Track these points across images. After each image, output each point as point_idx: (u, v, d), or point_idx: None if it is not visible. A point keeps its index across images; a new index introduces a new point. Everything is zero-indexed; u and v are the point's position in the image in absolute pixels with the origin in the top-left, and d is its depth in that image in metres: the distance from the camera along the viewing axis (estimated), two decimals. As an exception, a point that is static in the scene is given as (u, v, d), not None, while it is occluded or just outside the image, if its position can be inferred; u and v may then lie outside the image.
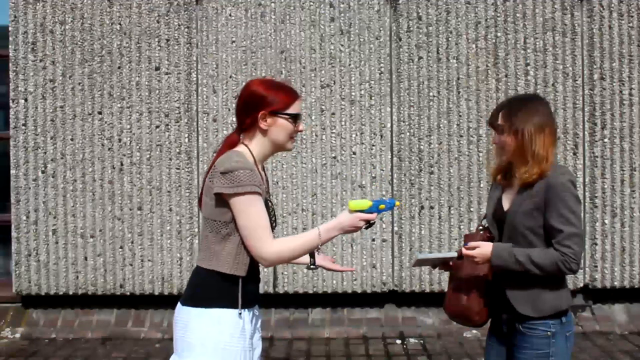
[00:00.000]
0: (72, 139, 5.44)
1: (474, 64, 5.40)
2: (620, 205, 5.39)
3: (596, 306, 5.55)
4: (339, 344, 5.21)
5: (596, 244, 5.40)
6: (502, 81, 5.39)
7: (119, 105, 5.43)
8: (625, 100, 5.39)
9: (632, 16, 5.40)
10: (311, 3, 5.42)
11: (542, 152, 2.60)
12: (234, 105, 5.33)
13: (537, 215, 2.59)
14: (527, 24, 5.39)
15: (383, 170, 5.41)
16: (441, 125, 5.40)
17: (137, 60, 5.44)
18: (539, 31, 5.39)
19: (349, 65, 5.42)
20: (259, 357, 2.58)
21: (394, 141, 5.42)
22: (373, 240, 5.41)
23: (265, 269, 4.98)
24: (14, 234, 5.47)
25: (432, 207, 5.40)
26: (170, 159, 5.42)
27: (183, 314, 2.46)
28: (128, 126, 5.43)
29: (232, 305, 2.40)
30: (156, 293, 5.45)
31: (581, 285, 5.40)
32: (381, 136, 5.41)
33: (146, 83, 5.43)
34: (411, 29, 5.42)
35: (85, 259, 5.44)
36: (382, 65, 5.41)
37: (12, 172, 5.45)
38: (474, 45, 5.40)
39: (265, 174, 2.60)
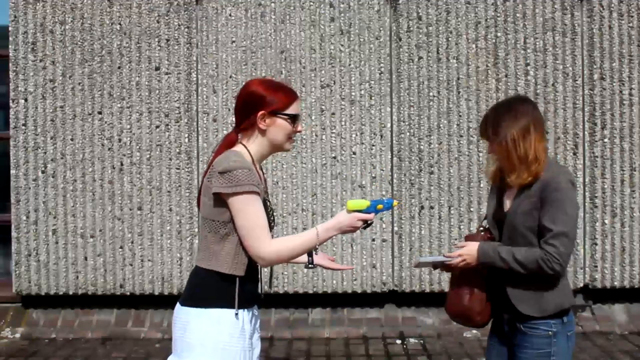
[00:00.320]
0: (72, 139, 5.44)
1: (474, 64, 5.40)
2: (620, 205, 5.39)
3: (596, 306, 5.55)
4: (339, 344, 5.21)
5: (596, 244, 5.40)
6: (502, 81, 5.39)
7: (119, 105, 5.43)
8: (625, 100, 5.39)
9: (632, 16, 5.40)
10: (311, 3, 5.42)
11: (530, 155, 2.60)
12: (234, 105, 5.35)
13: (536, 215, 2.60)
14: (527, 24, 5.39)
15: (383, 170, 5.41)
16: (441, 125, 5.40)
17: (137, 60, 5.44)
18: (539, 31, 5.39)
19: (349, 65, 5.42)
20: (258, 357, 2.58)
21: (394, 141, 5.42)
22: (373, 240, 5.41)
23: (265, 269, 4.98)
24: (14, 234, 5.47)
25: (432, 207, 5.40)
26: (170, 159, 5.43)
27: (182, 314, 2.46)
28: (128, 126, 5.43)
29: (231, 305, 2.40)
30: (156, 293, 5.45)
31: (581, 285, 5.40)
32: (381, 136, 5.41)
33: (146, 83, 5.43)
34: (411, 29, 5.42)
35: (85, 259, 5.45)
36: (382, 65, 5.41)
37: (12, 172, 5.46)
38: (474, 45, 5.40)
39: (263, 174, 2.60)
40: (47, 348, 5.19)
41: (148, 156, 5.43)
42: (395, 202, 2.49)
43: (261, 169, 2.57)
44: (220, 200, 2.38)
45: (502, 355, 2.80)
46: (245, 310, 2.45)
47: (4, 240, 5.74)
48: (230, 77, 5.42)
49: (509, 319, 2.72)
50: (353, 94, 5.41)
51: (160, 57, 5.44)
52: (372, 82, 5.41)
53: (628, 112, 5.39)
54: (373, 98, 5.41)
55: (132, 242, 5.43)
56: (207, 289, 2.42)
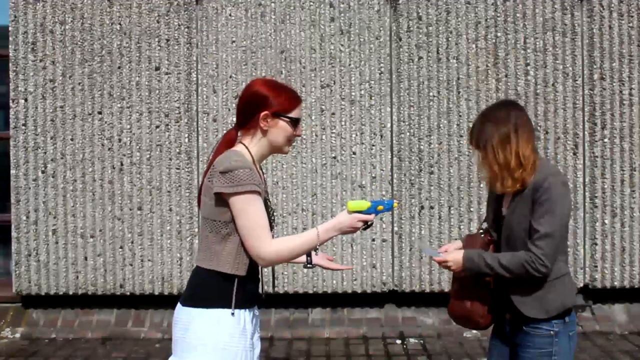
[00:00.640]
0: (72, 139, 5.44)
1: (474, 64, 5.40)
2: (620, 205, 5.39)
3: (596, 306, 5.55)
4: (339, 344, 5.21)
5: (596, 244, 5.40)
6: (502, 81, 5.39)
7: (119, 105, 5.43)
8: (625, 100, 5.39)
9: (632, 16, 5.40)
10: (311, 3, 5.42)
11: (512, 163, 2.59)
12: (234, 105, 5.35)
13: (530, 217, 2.61)
14: (527, 24, 5.39)
15: (383, 170, 5.41)
16: (441, 125, 5.40)
17: (137, 60, 5.44)
18: (539, 31, 5.39)
19: (349, 65, 5.42)
20: (259, 357, 2.58)
21: (394, 141, 5.42)
22: (373, 240, 5.41)
23: (265, 269, 4.97)
24: (14, 234, 5.47)
25: (432, 207, 5.40)
26: (170, 159, 5.43)
27: (183, 314, 2.45)
28: (128, 126, 5.43)
29: (231, 305, 2.40)
30: (156, 293, 5.45)
31: (581, 285, 5.40)
32: (381, 136, 5.41)
33: (146, 83, 5.43)
34: (411, 29, 5.42)
35: (85, 259, 5.45)
36: (382, 65, 5.41)
37: (12, 172, 5.46)
38: (474, 45, 5.40)
39: (263, 174, 2.60)
40: (47, 348, 5.19)
41: (148, 156, 5.43)
42: (395, 203, 2.49)
43: (261, 169, 2.57)
44: (222, 200, 2.37)
45: (503, 355, 2.80)
46: (246, 310, 2.45)
47: (4, 240, 5.74)
48: (230, 77, 5.42)
49: (510, 319, 2.72)
50: (353, 94, 5.41)
51: (160, 57, 5.44)
52: (372, 82, 5.41)
53: (628, 112, 5.39)
54: (373, 98, 5.41)
55: (132, 242, 5.43)
56: (208, 289, 2.41)
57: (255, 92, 2.48)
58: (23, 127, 5.44)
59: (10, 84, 5.46)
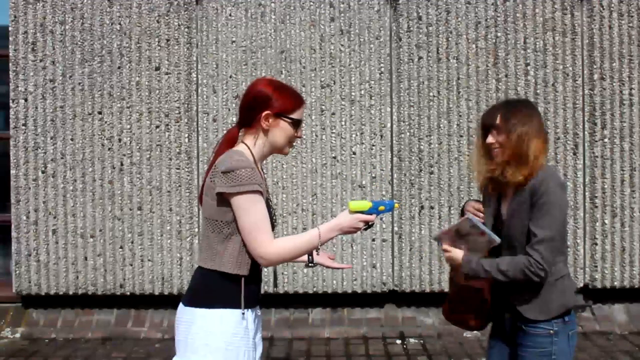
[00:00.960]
0: (72, 139, 5.44)
1: (474, 64, 5.40)
2: (620, 205, 5.39)
3: (596, 306, 5.55)
4: (339, 344, 5.21)
5: (596, 244, 5.40)
6: (502, 81, 5.39)
7: (119, 105, 5.43)
8: (625, 100, 5.39)
9: (632, 16, 5.40)
10: (311, 3, 5.42)
11: (534, 156, 2.62)
12: (234, 105, 5.36)
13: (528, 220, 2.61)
14: (527, 24, 5.39)
15: (383, 170, 5.41)
16: (441, 125, 5.40)
17: (137, 60, 5.44)
18: (539, 31, 5.39)
19: (349, 65, 5.42)
20: (260, 357, 2.59)
21: (394, 141, 5.42)
22: (373, 240, 5.41)
23: (265, 269, 4.98)
24: (14, 234, 5.47)
25: (432, 207, 5.40)
26: (170, 159, 5.43)
27: (186, 314, 2.45)
28: (128, 126, 5.43)
29: (235, 305, 2.40)
30: (156, 293, 5.45)
31: (581, 285, 5.40)
32: (381, 136, 5.41)
33: (146, 83, 5.43)
34: (411, 29, 5.42)
35: (85, 259, 5.45)
36: (382, 65, 5.41)
37: (12, 172, 5.46)
38: (474, 45, 5.40)
39: (264, 174, 2.60)
40: (47, 348, 5.19)
41: (148, 156, 5.43)
42: (396, 204, 2.50)
43: (262, 169, 2.57)
44: (224, 200, 2.37)
45: (503, 355, 2.80)
46: (249, 310, 2.45)
47: (4, 240, 5.74)
48: (230, 77, 5.42)
49: (510, 318, 2.72)
50: (353, 94, 5.41)
51: (160, 57, 5.43)
52: (372, 82, 5.41)
53: (628, 112, 5.39)
54: (373, 98, 5.41)
55: (132, 242, 5.43)
56: (211, 289, 2.41)
57: (258, 92, 2.48)
58: (23, 127, 5.44)
59: (10, 84, 5.46)
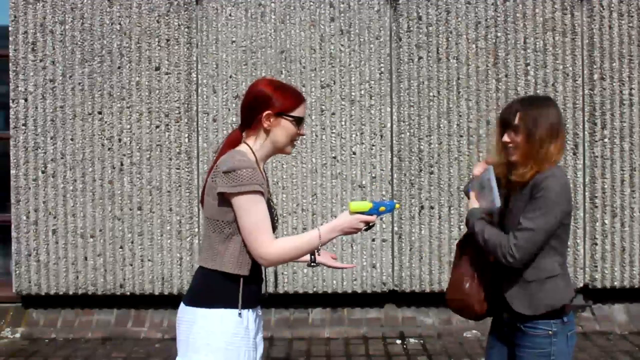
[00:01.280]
0: (72, 139, 5.44)
1: (474, 64, 5.40)
2: (620, 205, 5.39)
3: (596, 306, 5.55)
4: (339, 344, 5.21)
5: (596, 244, 5.40)
6: (502, 81, 5.39)
7: (119, 105, 5.43)
8: (625, 100, 5.39)
9: (632, 16, 5.40)
10: (311, 3, 5.42)
11: (548, 156, 2.62)
12: (234, 105, 5.36)
13: None
14: (527, 24, 5.39)
15: (383, 170, 5.41)
16: (441, 125, 5.40)
17: (137, 60, 5.44)
18: (539, 31, 5.39)
19: (349, 65, 5.42)
20: (261, 357, 2.59)
21: (394, 141, 5.42)
22: (373, 240, 5.41)
23: (269, 269, 4.98)
24: (14, 234, 5.47)
25: (432, 207, 5.40)
26: (170, 159, 5.43)
27: (187, 314, 2.46)
28: (128, 126, 5.43)
29: (236, 305, 2.40)
30: (156, 293, 5.45)
31: (581, 285, 5.40)
32: (381, 136, 5.41)
33: (146, 83, 5.43)
34: (411, 29, 5.42)
35: (85, 259, 5.45)
36: (382, 65, 5.41)
37: (12, 172, 5.45)
38: (474, 45, 5.40)
39: (265, 174, 2.60)
40: (47, 348, 5.19)
41: (148, 156, 5.43)
42: (397, 205, 2.50)
43: (264, 170, 2.57)
44: (225, 200, 2.38)
45: (502, 355, 2.80)
46: (250, 310, 2.45)
47: (4, 240, 5.74)
48: (230, 77, 5.42)
49: (508, 318, 2.72)
50: (353, 94, 5.41)
51: (160, 57, 5.43)
52: (372, 82, 5.41)
53: (628, 112, 5.39)
54: (373, 98, 5.41)
55: (132, 242, 5.43)
56: (212, 289, 2.42)
57: (258, 92, 2.48)
58: (23, 127, 5.44)
59: (10, 84, 5.46)
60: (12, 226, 5.47)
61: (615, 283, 5.42)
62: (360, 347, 5.15)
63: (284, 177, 5.40)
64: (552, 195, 2.55)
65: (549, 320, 2.62)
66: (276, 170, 5.40)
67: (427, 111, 5.41)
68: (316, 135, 5.40)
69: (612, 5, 5.39)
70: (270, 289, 5.36)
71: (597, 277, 5.42)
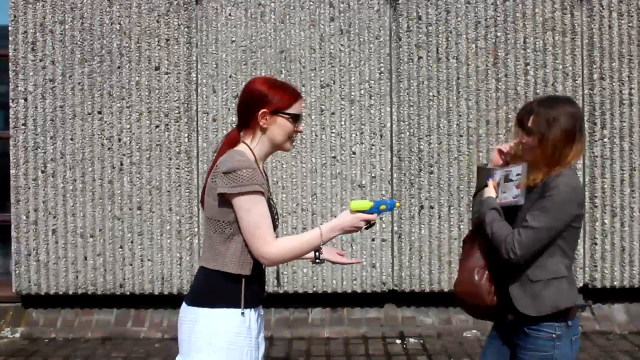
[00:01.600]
0: (72, 139, 5.44)
1: (474, 64, 5.40)
2: (620, 205, 5.39)
3: (596, 306, 5.55)
4: (339, 344, 5.21)
5: (596, 244, 5.41)
6: (502, 81, 5.39)
7: (119, 105, 5.43)
8: (625, 100, 5.39)
9: (632, 16, 5.40)
10: (311, 3, 5.42)
11: (562, 160, 2.60)
12: (234, 105, 5.35)
13: None
14: (527, 24, 5.39)
15: (383, 170, 5.41)
16: (441, 125, 5.40)
17: (137, 60, 5.44)
18: (539, 31, 5.39)
19: (349, 65, 5.42)
20: (263, 357, 2.59)
21: (394, 141, 5.42)
22: (373, 240, 5.41)
23: (270, 269, 4.98)
24: (14, 234, 5.46)
25: (432, 207, 5.40)
26: (170, 159, 5.42)
27: (189, 314, 2.45)
28: (128, 126, 5.43)
29: (238, 305, 2.40)
30: (156, 293, 5.45)
31: (581, 285, 5.40)
32: (381, 136, 5.41)
33: (146, 83, 5.43)
34: (411, 29, 5.42)
35: (85, 259, 5.44)
36: (382, 65, 5.41)
37: (12, 172, 5.45)
38: (474, 45, 5.40)
39: (265, 173, 2.60)
40: (47, 348, 5.19)
41: (148, 156, 5.43)
42: (397, 204, 2.50)
43: (264, 169, 2.57)
44: (225, 201, 2.38)
45: (503, 354, 2.79)
46: (252, 310, 2.45)
47: (4, 240, 5.74)
48: (230, 77, 5.42)
49: (513, 320, 2.71)
50: (353, 94, 5.41)
51: (160, 57, 5.43)
52: (372, 82, 5.41)
53: (628, 112, 5.40)
54: (373, 98, 5.41)
55: (132, 242, 5.43)
56: (214, 290, 2.42)
57: (252, 91, 2.48)
58: (23, 127, 5.44)
59: (10, 84, 5.45)
60: (12, 226, 5.47)
61: (615, 283, 5.42)
62: (360, 347, 5.15)
63: (284, 177, 5.40)
64: (561, 196, 2.54)
65: (553, 323, 2.60)
66: (276, 170, 5.40)
67: (427, 111, 5.41)
68: (316, 135, 5.40)
69: (612, 5, 5.39)
70: (270, 289, 5.36)
71: (597, 277, 5.42)
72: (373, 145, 5.41)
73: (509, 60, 5.39)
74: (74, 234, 5.44)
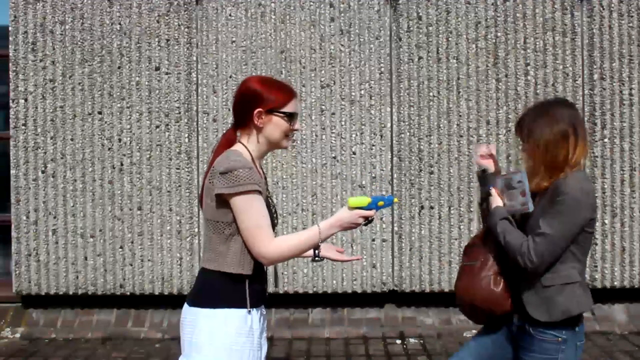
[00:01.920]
0: (72, 139, 5.44)
1: (474, 64, 5.40)
2: (620, 205, 5.39)
3: (596, 306, 5.54)
4: (339, 344, 5.21)
5: (596, 244, 5.40)
6: (502, 81, 5.39)
7: (119, 105, 5.43)
8: (625, 100, 5.39)
9: (632, 16, 5.40)
10: (311, 3, 5.42)
11: (559, 162, 2.59)
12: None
13: None
14: (527, 24, 5.39)
15: (383, 170, 5.41)
16: (441, 125, 5.40)
17: (137, 60, 5.44)
18: (539, 31, 5.39)
19: (349, 65, 5.42)
20: (265, 357, 2.58)
21: (394, 141, 5.42)
22: (373, 240, 5.41)
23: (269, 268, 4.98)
24: (14, 234, 5.47)
25: (432, 207, 5.40)
26: (170, 159, 5.43)
27: (191, 314, 2.45)
28: (128, 126, 5.43)
29: (239, 305, 2.40)
30: (156, 293, 5.45)
31: (581, 285, 5.39)
32: (381, 136, 5.41)
33: (146, 83, 5.43)
34: (411, 29, 5.42)
35: (85, 259, 5.44)
36: (382, 65, 5.41)
37: (12, 172, 5.46)
38: (474, 45, 5.40)
39: (263, 172, 2.60)
40: (47, 348, 5.19)
41: (148, 156, 5.43)
42: (395, 199, 2.50)
43: (261, 168, 2.57)
44: (223, 201, 2.37)
45: (504, 348, 2.77)
46: (254, 309, 2.45)
47: (4, 240, 5.74)
48: (230, 77, 5.42)
49: (519, 320, 2.69)
50: (353, 94, 5.41)
51: (160, 57, 5.44)
52: (372, 82, 5.41)
53: (628, 112, 5.39)
54: (373, 98, 5.41)
55: (132, 242, 5.43)
56: (215, 290, 2.41)
57: (247, 90, 2.48)
58: (23, 127, 5.44)
59: (10, 84, 5.46)
60: (12, 226, 5.47)
61: (615, 283, 5.42)
62: (360, 347, 5.14)
63: (284, 177, 5.40)
64: (572, 200, 2.52)
65: (560, 327, 2.58)
66: (276, 170, 5.40)
67: (427, 111, 5.41)
68: (316, 135, 5.40)
69: (612, 5, 5.39)
70: (270, 289, 5.35)
71: (597, 277, 5.42)
72: (373, 145, 5.41)
73: (509, 60, 5.39)
74: (74, 234, 5.44)
